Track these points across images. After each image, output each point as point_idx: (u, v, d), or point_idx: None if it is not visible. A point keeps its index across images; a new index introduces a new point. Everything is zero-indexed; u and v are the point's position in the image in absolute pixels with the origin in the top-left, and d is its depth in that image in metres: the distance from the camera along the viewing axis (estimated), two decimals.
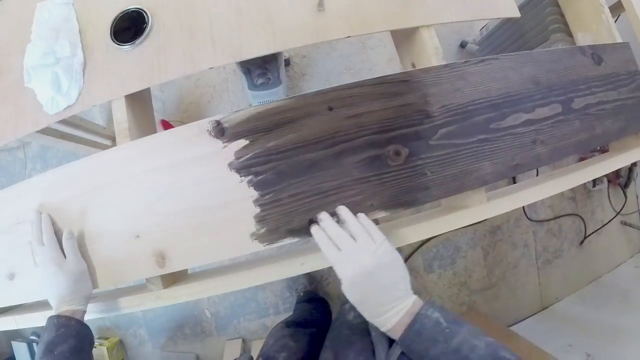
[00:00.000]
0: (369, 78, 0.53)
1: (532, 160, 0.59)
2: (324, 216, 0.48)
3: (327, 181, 0.51)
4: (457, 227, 0.57)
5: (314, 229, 0.48)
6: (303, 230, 0.50)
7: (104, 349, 1.30)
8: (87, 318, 0.52)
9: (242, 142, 0.50)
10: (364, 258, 0.44)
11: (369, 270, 0.43)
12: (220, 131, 0.51)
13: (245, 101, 1.36)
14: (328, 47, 1.34)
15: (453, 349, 0.40)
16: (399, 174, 0.52)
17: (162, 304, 0.54)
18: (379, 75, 0.54)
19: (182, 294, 0.53)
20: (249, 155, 0.50)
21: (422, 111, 0.54)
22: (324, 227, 0.47)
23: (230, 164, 0.50)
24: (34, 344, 1.33)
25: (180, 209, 0.51)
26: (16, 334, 1.41)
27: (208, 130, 0.51)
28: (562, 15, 0.83)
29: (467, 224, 0.57)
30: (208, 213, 0.50)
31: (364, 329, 0.68)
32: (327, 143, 0.51)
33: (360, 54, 1.37)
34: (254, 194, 0.50)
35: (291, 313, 1.24)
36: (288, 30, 0.57)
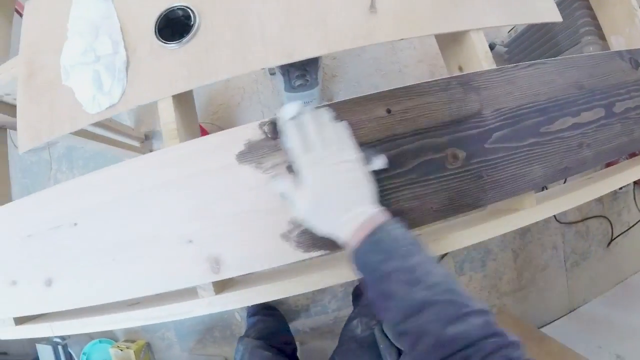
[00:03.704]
0: (425, 81, 0.53)
1: (579, 164, 0.59)
2: (308, 114, 0.46)
3: (387, 184, 0.50)
4: (507, 231, 0.57)
5: (290, 123, 0.45)
6: None
7: (131, 352, 1.24)
8: (129, 326, 0.50)
9: None
10: (325, 168, 0.43)
11: (327, 179, 0.42)
12: (278, 132, 0.50)
13: (275, 103, 1.34)
14: (358, 49, 1.30)
15: (408, 268, 0.38)
16: (457, 177, 0.52)
17: (213, 311, 0.52)
18: (438, 78, 0.54)
19: (235, 300, 0.52)
20: None
21: (477, 114, 0.54)
22: (303, 123, 0.44)
23: (288, 168, 0.49)
24: (59, 347, 1.27)
25: (236, 212, 0.49)
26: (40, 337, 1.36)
27: (265, 131, 0.50)
28: (594, 19, 0.84)
29: (517, 227, 0.57)
30: (266, 217, 0.49)
31: (371, 341, 0.67)
32: (385, 146, 0.50)
33: (390, 55, 1.35)
34: None
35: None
36: (340, 31, 0.56)
